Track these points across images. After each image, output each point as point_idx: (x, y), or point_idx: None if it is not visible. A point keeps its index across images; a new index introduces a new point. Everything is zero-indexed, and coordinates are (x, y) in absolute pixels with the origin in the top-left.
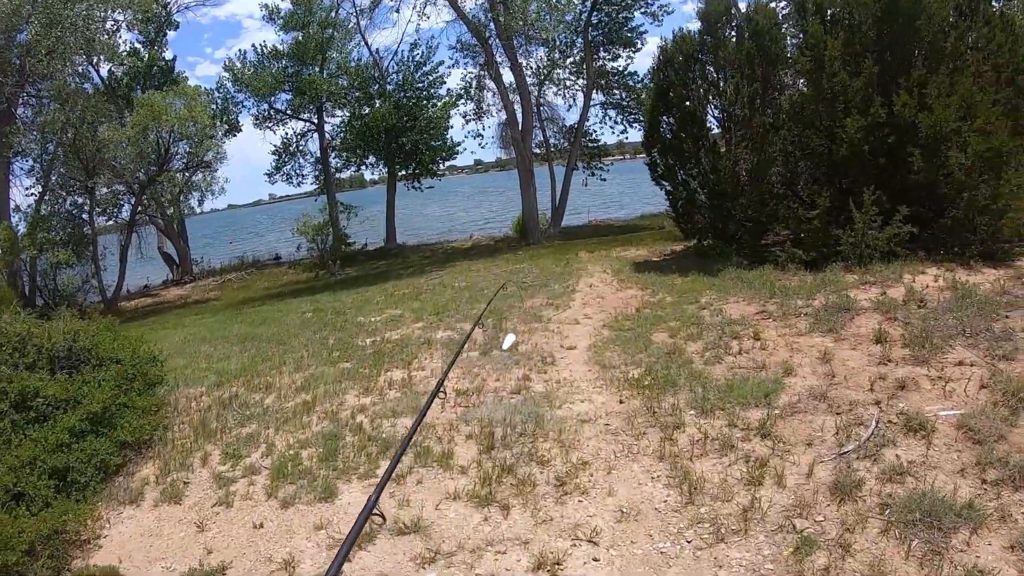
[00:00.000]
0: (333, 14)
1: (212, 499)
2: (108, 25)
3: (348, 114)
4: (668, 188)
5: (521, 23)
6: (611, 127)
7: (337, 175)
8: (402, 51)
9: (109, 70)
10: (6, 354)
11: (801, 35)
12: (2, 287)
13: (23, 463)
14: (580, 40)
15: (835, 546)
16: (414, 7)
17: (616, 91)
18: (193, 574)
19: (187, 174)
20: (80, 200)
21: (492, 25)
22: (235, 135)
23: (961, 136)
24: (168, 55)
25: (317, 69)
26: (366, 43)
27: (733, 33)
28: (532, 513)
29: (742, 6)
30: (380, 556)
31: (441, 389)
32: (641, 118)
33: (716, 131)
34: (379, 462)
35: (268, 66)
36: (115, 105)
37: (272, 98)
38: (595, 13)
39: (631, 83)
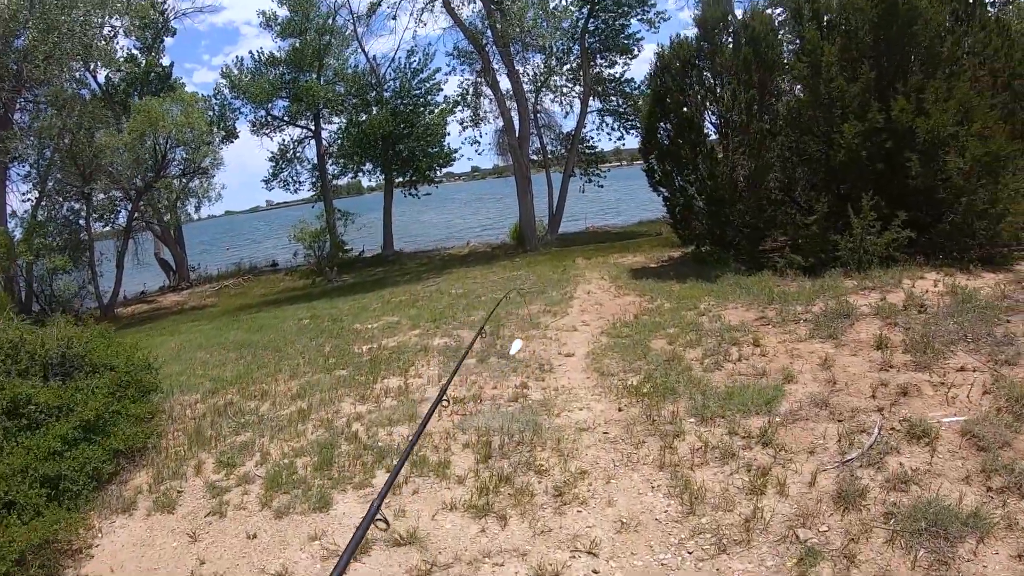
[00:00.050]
0: (330, 21)
1: (205, 508)
2: (105, 31)
3: (345, 121)
4: (665, 194)
5: (518, 30)
6: (608, 134)
7: (334, 182)
8: (399, 58)
9: (106, 76)
10: None
11: (798, 41)
12: None
13: (14, 471)
14: (577, 47)
15: (840, 557)
16: (411, 14)
17: (613, 98)
18: None
19: (184, 180)
20: (77, 206)
21: (489, 32)
22: (232, 141)
23: (959, 141)
24: (165, 61)
25: (314, 76)
26: (363, 50)
27: (730, 39)
28: (530, 524)
29: (739, 12)
30: (376, 568)
31: (445, 396)
32: (638, 125)
33: (713, 137)
34: (375, 471)
35: (265, 73)
36: (112, 111)
37: (269, 105)
38: (592, 20)
39: (628, 90)
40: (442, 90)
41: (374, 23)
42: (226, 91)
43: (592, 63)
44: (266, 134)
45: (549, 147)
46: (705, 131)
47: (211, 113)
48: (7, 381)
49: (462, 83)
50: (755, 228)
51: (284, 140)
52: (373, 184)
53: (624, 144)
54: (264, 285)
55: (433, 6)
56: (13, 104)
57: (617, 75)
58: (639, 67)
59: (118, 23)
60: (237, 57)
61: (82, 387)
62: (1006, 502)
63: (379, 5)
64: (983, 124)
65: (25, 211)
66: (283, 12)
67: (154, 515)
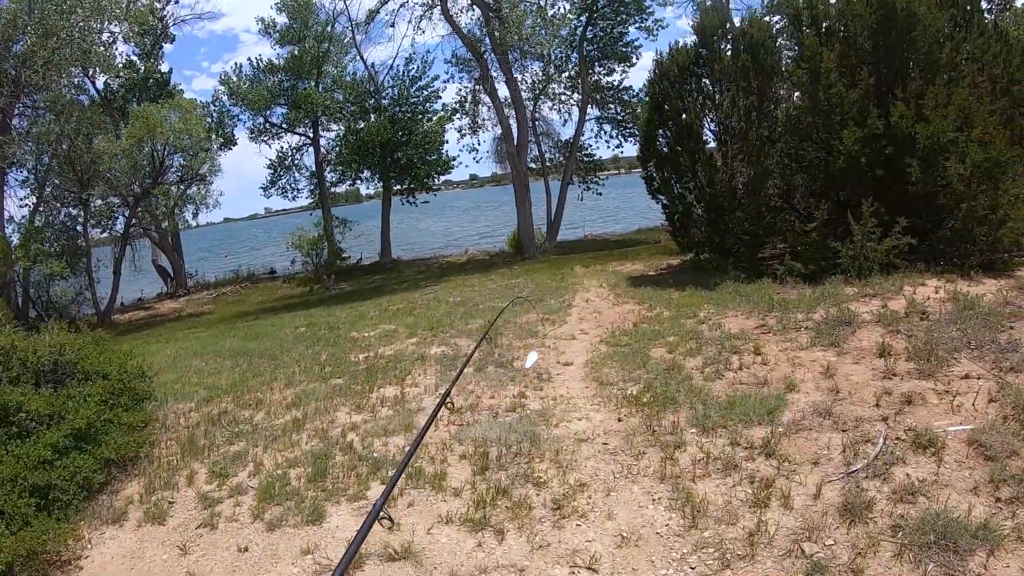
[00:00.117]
0: (329, 28)
1: (197, 520)
2: (104, 37)
3: (343, 128)
4: (664, 202)
5: (516, 37)
6: (606, 141)
7: (332, 189)
8: (398, 65)
9: (105, 82)
10: None
11: (796, 47)
12: None
13: (3, 480)
14: (575, 54)
15: (846, 571)
16: (410, 21)
17: (611, 105)
18: None
19: (182, 187)
20: (74, 212)
21: (487, 40)
22: (230, 148)
23: (959, 146)
24: (164, 68)
25: (313, 83)
26: (361, 57)
27: (728, 46)
28: (528, 538)
29: (737, 19)
30: None
31: (448, 400)
32: (636, 132)
33: (712, 144)
34: (369, 483)
35: (264, 80)
36: (110, 117)
37: (268, 112)
38: (590, 28)
39: (626, 97)
40: (440, 98)
41: (372, 30)
42: (224, 98)
43: (590, 71)
44: (264, 141)
45: (547, 155)
46: (704, 138)
47: (209, 120)
48: None
49: (460, 91)
50: (754, 235)
51: (282, 147)
52: (371, 192)
53: (622, 152)
54: (262, 292)
55: (432, 14)
56: (11, 109)
57: (615, 83)
58: (637, 75)
59: (117, 29)
60: (236, 64)
61: (74, 395)
62: (1016, 513)
63: (378, 12)
64: (983, 130)
65: (23, 216)
66: (282, 19)
67: (145, 526)
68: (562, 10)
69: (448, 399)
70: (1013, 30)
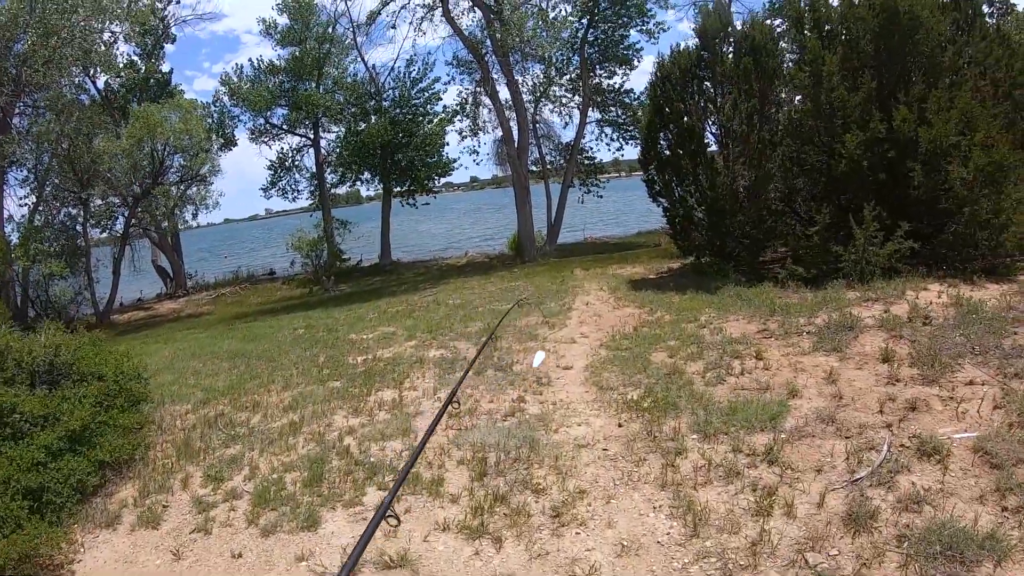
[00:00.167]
0: (330, 30)
1: (191, 525)
2: (105, 36)
3: (344, 130)
4: (665, 205)
5: (517, 40)
6: (607, 144)
7: (333, 191)
8: (398, 67)
9: (106, 82)
10: None
11: (799, 51)
12: None
13: None
14: (576, 57)
15: None
16: (411, 23)
17: (612, 108)
18: None
19: (182, 187)
20: (74, 211)
21: (489, 42)
22: (231, 149)
23: (961, 150)
24: (165, 68)
25: (313, 84)
26: (362, 59)
27: (730, 49)
28: (526, 546)
29: (738, 22)
30: None
31: (454, 400)
32: (637, 135)
33: (714, 147)
34: (365, 489)
35: (265, 81)
36: (111, 117)
37: (268, 112)
38: (591, 30)
39: (627, 100)
40: (441, 99)
41: (374, 32)
42: (225, 98)
43: (591, 73)
44: (265, 142)
45: (548, 157)
46: (705, 141)
47: (210, 120)
48: None
49: (461, 93)
50: (756, 239)
51: (283, 148)
52: (371, 193)
53: (623, 155)
54: (261, 294)
55: (433, 15)
56: (12, 108)
57: (616, 86)
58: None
59: (118, 29)
60: (237, 65)
61: (69, 396)
62: (1023, 523)
63: (379, 14)
64: (986, 134)
65: (22, 216)
66: (283, 20)
67: (138, 530)
68: (563, 12)
69: (454, 400)
70: (1015, 34)
